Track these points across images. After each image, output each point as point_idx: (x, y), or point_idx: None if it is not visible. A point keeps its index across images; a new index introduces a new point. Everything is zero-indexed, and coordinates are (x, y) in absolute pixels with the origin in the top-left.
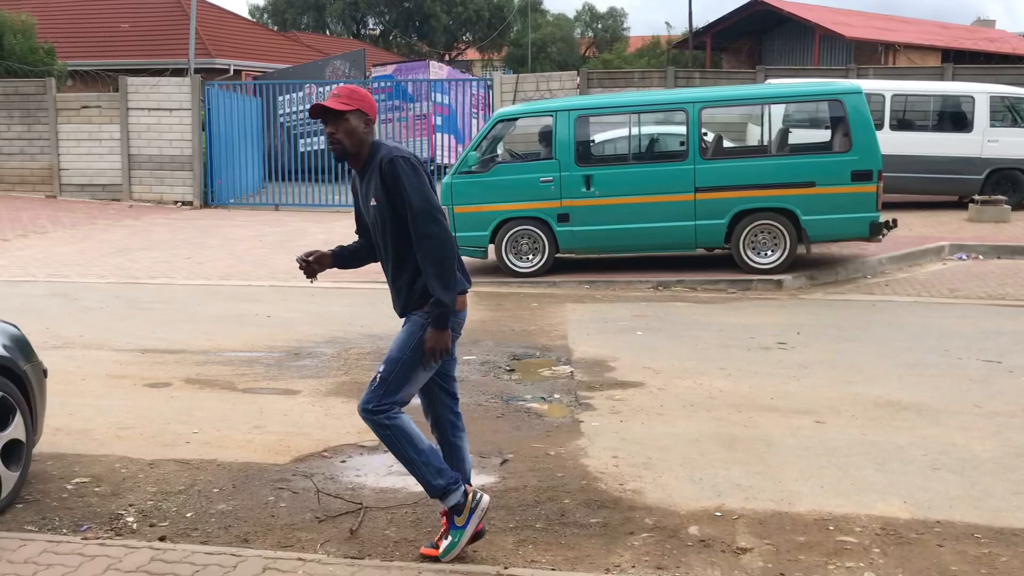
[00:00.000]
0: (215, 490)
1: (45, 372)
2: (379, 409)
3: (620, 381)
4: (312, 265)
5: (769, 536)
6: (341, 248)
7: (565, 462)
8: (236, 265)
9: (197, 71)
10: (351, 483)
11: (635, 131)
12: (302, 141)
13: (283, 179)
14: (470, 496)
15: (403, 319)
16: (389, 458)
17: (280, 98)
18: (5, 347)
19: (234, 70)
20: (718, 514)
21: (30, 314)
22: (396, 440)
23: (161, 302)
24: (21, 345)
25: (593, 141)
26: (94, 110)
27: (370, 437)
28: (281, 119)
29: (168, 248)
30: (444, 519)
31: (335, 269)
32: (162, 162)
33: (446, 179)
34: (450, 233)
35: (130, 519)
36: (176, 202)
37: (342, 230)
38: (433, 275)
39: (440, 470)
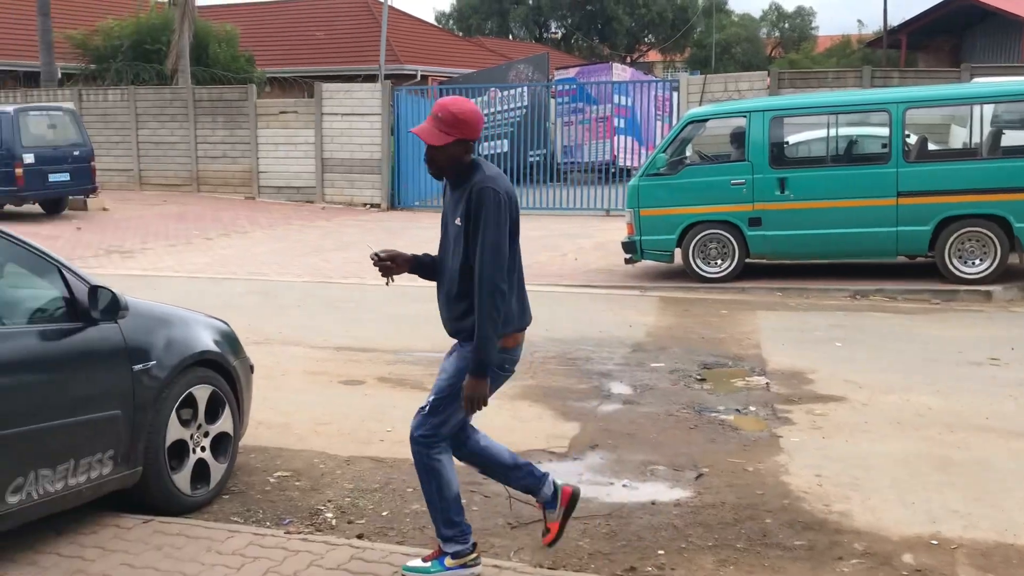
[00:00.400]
0: (409, 490)
1: (252, 368)
2: (426, 439)
3: (820, 395)
4: (386, 262)
5: (993, 570)
6: (426, 256)
7: (764, 479)
8: None
9: (386, 77)
10: None
11: (833, 132)
12: (484, 144)
13: None
14: (471, 556)
15: (454, 341)
16: (579, 466)
17: None
18: (216, 343)
19: (421, 75)
20: (934, 542)
21: (232, 310)
22: (430, 477)
23: (353, 301)
24: (231, 341)
25: (787, 143)
26: (291, 115)
27: (559, 444)
28: None
29: (358, 249)
30: (437, 547)
31: (415, 277)
32: (352, 165)
33: (633, 181)
34: (505, 283)
35: (329, 515)
36: (364, 204)
37: (522, 233)
38: (482, 320)
39: (455, 523)
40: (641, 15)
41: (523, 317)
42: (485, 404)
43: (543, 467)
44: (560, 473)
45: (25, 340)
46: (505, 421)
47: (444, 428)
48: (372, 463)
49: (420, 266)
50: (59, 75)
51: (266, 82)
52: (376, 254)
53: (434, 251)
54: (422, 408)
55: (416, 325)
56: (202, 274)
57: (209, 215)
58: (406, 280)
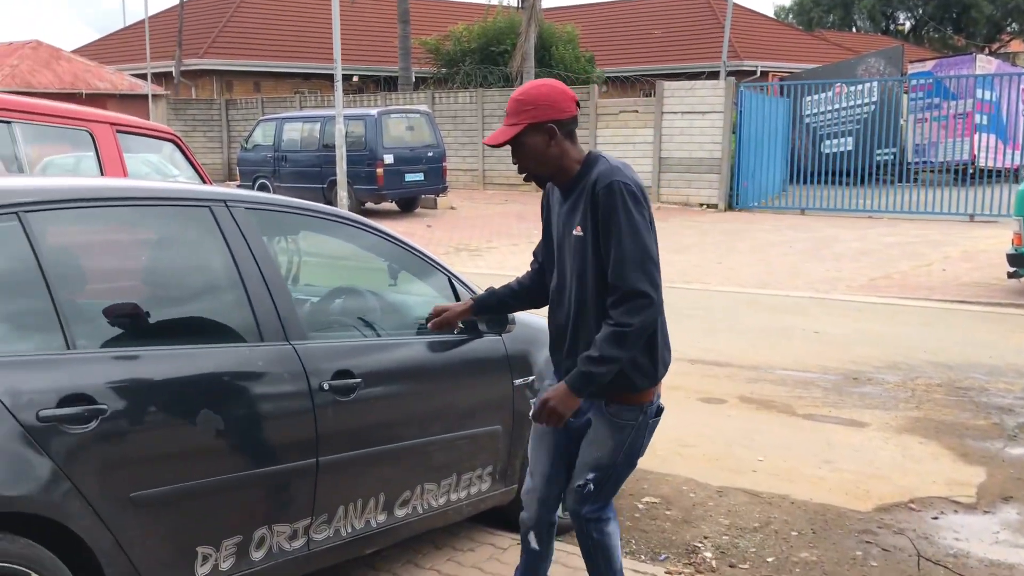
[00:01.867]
0: (793, 533)
1: None
2: (596, 516)
3: None
4: (440, 325)
5: None
6: (490, 293)
7: None
8: (769, 272)
9: (727, 74)
10: (951, 547)
11: None
12: (826, 142)
13: (806, 181)
14: None
15: (583, 402)
16: (992, 521)
17: (806, 98)
18: None
19: (760, 71)
20: None
21: None
22: (598, 553)
23: (700, 309)
24: None
25: None
26: (631, 115)
27: (963, 492)
28: (807, 120)
29: (698, 252)
30: None
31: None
32: (690, 165)
33: (1023, 187)
34: (660, 301)
35: (707, 554)
36: (701, 204)
37: (876, 238)
38: (619, 335)
39: None
40: (1004, 2)
41: (661, 366)
42: (560, 423)
43: (947, 518)
44: (972, 529)
45: (415, 350)
46: (892, 457)
47: (610, 503)
48: (747, 496)
49: (483, 307)
50: (413, 79)
51: (604, 82)
52: (424, 320)
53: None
54: (580, 487)
55: (774, 339)
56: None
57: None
58: (752, 287)
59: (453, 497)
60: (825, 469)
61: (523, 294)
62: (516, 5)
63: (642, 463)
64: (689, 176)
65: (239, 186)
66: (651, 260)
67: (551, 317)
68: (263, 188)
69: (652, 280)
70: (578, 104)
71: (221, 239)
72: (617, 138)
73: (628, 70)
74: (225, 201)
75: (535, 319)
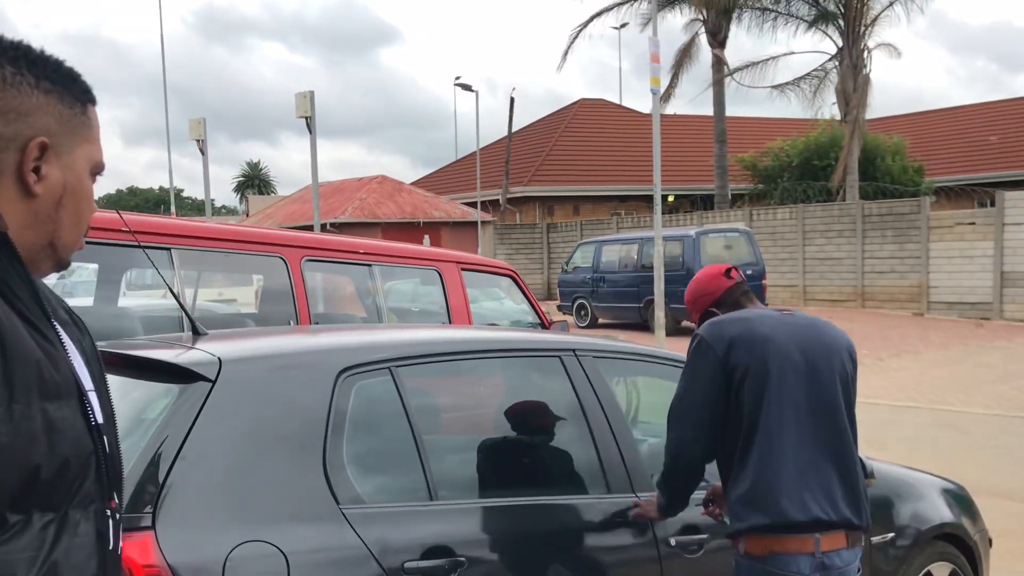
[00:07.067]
0: None
1: (991, 541)
2: None
3: None
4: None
5: None
6: None
7: None
8: None
9: None
10: None
11: None
12: None
13: None
14: None
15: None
16: None
17: None
18: (954, 511)
19: None
20: None
21: (920, 446)
22: None
23: None
24: (969, 509)
25: None
26: (967, 227)
27: None
28: None
29: None
30: None
31: None
32: None
33: None
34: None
35: None
36: None
37: None
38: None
39: None
40: None
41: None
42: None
43: None
44: None
45: None
46: None
47: None
48: None
49: None
50: (729, 196)
51: (934, 192)
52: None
53: None
54: None
55: None
56: (880, 400)
57: (876, 333)
58: None
59: None
60: None
61: None
62: (841, 118)
63: None
64: None
65: (559, 307)
66: None
67: (794, 460)
68: (581, 308)
69: None
70: (730, 272)
71: (570, 388)
72: (952, 252)
73: (960, 179)
74: (574, 350)
75: (888, 468)
